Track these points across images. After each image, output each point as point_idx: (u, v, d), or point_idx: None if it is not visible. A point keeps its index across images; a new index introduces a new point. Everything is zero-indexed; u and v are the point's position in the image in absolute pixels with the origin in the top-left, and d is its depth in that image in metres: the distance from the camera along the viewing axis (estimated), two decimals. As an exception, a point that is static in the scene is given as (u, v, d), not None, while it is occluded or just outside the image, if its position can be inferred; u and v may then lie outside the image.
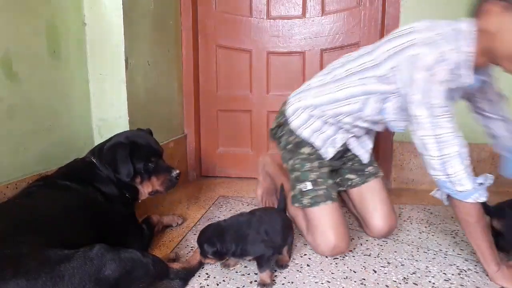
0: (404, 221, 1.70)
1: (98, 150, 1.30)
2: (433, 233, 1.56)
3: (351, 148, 1.52)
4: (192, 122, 2.39)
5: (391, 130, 1.38)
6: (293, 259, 1.33)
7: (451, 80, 1.13)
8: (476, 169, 2.20)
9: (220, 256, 1.12)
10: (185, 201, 1.98)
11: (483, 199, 1.16)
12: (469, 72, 1.15)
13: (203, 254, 1.13)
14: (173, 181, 1.38)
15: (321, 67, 2.30)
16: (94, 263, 0.87)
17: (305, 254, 1.37)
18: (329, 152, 1.45)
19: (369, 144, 1.55)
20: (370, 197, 1.52)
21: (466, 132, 2.17)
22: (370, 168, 1.55)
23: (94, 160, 1.28)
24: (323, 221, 1.36)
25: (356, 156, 1.55)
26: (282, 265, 1.26)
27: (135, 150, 1.29)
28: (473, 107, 1.41)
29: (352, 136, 1.48)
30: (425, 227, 1.63)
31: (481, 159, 2.18)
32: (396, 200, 2.02)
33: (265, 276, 1.14)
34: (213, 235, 1.12)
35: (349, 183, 1.55)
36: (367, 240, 1.49)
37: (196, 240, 1.17)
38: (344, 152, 1.54)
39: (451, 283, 1.17)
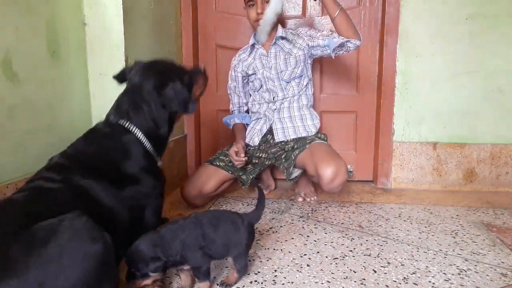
0: (404, 221, 1.70)
1: (127, 111, 1.20)
2: (433, 233, 1.56)
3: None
4: (192, 122, 2.39)
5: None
6: (293, 259, 1.33)
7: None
8: (476, 169, 2.20)
9: (165, 269, 1.01)
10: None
11: None
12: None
13: (143, 275, 0.99)
14: (205, 76, 1.37)
15: (321, 66, 2.30)
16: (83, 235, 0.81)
17: (305, 254, 1.37)
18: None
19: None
20: (316, 154, 1.76)
21: (466, 132, 2.21)
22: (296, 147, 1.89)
23: (126, 125, 1.18)
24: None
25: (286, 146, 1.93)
26: (225, 284, 1.14)
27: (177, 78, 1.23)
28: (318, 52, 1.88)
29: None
30: (425, 227, 1.63)
31: (481, 159, 2.18)
32: (396, 200, 2.02)
33: (203, 286, 1.08)
34: (153, 246, 0.99)
35: (293, 157, 1.85)
36: (367, 240, 1.49)
37: (129, 260, 0.99)
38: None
39: (451, 283, 1.17)
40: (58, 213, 0.85)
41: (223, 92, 2.41)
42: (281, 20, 2.03)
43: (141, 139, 1.20)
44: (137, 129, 1.19)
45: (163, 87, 1.20)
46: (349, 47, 1.72)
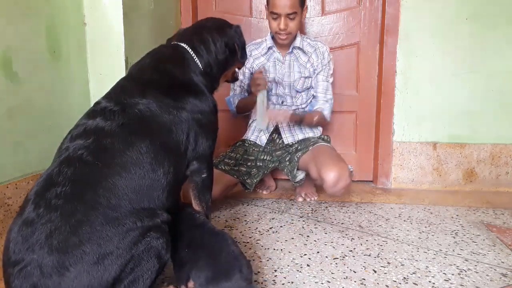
0: (404, 221, 1.70)
1: (191, 34, 1.26)
2: (433, 233, 1.56)
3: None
4: (192, 122, 2.39)
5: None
6: (293, 259, 1.33)
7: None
8: (476, 169, 2.20)
9: None
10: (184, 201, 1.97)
11: None
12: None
13: None
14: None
15: (321, 67, 2.30)
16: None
17: (305, 254, 1.37)
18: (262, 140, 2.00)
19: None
20: (319, 157, 1.75)
21: (466, 132, 2.21)
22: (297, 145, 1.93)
23: (192, 53, 1.21)
24: None
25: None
26: None
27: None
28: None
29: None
30: (425, 227, 1.63)
31: (481, 159, 2.18)
32: (396, 200, 2.02)
33: None
34: None
35: (296, 159, 1.85)
36: (367, 240, 1.49)
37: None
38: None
39: (451, 283, 1.17)
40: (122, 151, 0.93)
41: (223, 92, 2.40)
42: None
43: (198, 63, 1.22)
44: (197, 55, 1.22)
45: (228, 28, 1.32)
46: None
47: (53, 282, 0.77)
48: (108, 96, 1.07)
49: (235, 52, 1.32)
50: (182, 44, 1.23)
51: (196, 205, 1.26)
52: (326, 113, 1.91)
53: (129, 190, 0.90)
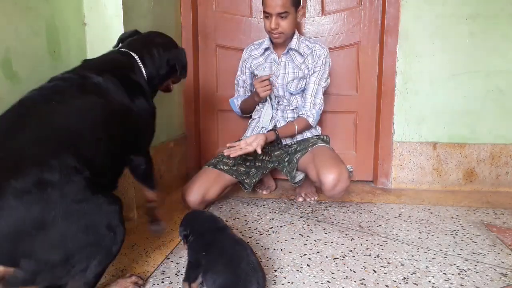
0: (404, 221, 1.70)
1: (141, 46, 1.34)
2: (433, 233, 1.56)
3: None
4: (192, 122, 2.39)
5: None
6: (293, 259, 1.33)
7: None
8: (476, 169, 2.20)
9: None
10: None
11: None
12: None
13: None
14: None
15: (321, 67, 2.30)
16: None
17: (305, 254, 1.37)
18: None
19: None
20: (318, 159, 1.76)
21: (466, 132, 2.21)
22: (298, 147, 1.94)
23: (136, 57, 1.30)
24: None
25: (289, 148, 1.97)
26: None
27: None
28: None
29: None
30: (425, 227, 1.63)
31: (481, 159, 2.18)
32: (396, 200, 2.02)
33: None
34: None
35: (295, 160, 1.87)
36: (367, 240, 1.49)
37: None
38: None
39: (451, 283, 1.17)
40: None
41: (223, 92, 2.41)
42: (297, 25, 2.00)
43: (143, 72, 1.31)
44: (143, 65, 1.31)
45: (174, 47, 1.43)
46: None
47: None
48: (68, 71, 1.15)
49: (175, 69, 1.42)
50: (132, 53, 1.32)
51: (146, 191, 1.35)
52: (311, 120, 1.87)
53: (56, 132, 0.95)
